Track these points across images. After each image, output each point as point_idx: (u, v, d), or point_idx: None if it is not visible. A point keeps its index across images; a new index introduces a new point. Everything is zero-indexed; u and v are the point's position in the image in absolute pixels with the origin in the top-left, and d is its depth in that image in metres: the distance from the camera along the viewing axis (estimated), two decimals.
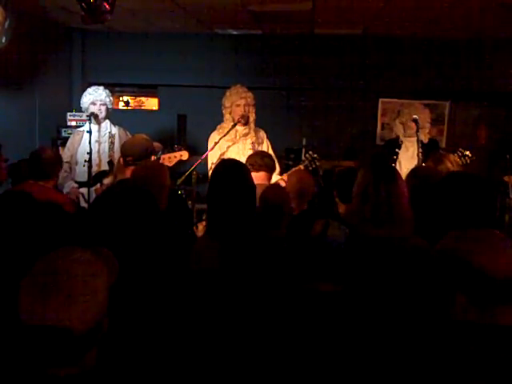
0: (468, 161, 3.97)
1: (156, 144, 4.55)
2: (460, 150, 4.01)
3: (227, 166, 2.53)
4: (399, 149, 4.72)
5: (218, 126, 4.47)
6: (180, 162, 4.25)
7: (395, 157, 4.69)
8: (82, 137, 4.58)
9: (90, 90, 4.72)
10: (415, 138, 4.44)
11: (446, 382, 1.38)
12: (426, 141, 4.57)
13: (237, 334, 1.83)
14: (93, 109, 4.60)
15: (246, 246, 2.15)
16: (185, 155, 4.19)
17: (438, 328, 1.56)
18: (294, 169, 4.09)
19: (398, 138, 4.84)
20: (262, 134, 4.56)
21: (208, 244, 2.28)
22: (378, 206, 2.14)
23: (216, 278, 2.03)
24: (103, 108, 4.65)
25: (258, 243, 2.20)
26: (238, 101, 4.36)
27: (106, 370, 1.27)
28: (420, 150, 4.29)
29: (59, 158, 3.83)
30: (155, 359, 1.57)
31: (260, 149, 4.39)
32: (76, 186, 4.41)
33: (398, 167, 4.52)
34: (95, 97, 4.63)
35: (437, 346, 1.49)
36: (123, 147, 3.69)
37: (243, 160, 3.27)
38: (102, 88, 4.73)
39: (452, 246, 1.50)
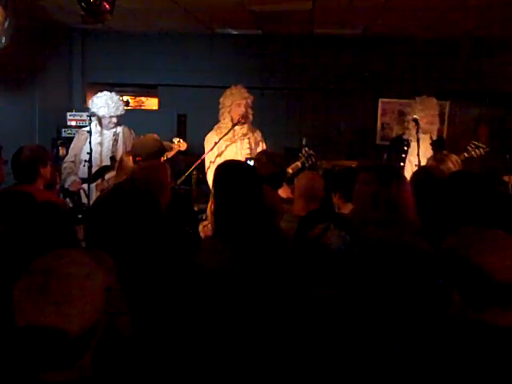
0: (483, 152, 3.94)
1: (167, 143, 4.57)
2: (473, 142, 3.98)
3: (232, 167, 2.47)
4: (408, 147, 4.52)
5: (216, 127, 4.46)
6: (180, 162, 4.25)
7: (404, 155, 4.51)
8: (87, 137, 4.57)
9: (108, 100, 4.57)
10: (425, 136, 4.32)
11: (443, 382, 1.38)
12: (435, 137, 4.44)
13: (244, 336, 1.82)
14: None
15: (257, 247, 2.10)
16: (183, 145, 4.18)
17: (437, 328, 1.56)
18: (292, 165, 4.05)
19: (401, 135, 4.67)
20: (258, 133, 4.55)
21: (217, 245, 2.23)
22: (382, 208, 2.09)
23: (228, 278, 1.98)
24: (113, 119, 4.63)
25: (267, 243, 2.16)
26: (239, 100, 4.35)
27: (103, 374, 1.25)
28: (419, 149, 4.23)
29: (40, 157, 3.21)
30: (160, 362, 1.56)
31: (257, 148, 4.39)
32: (79, 180, 4.43)
33: (408, 166, 4.39)
34: (113, 113, 4.57)
35: (435, 347, 1.49)
36: (133, 147, 3.74)
37: (241, 159, 3.26)
38: (120, 102, 4.64)
39: (454, 245, 1.49)
